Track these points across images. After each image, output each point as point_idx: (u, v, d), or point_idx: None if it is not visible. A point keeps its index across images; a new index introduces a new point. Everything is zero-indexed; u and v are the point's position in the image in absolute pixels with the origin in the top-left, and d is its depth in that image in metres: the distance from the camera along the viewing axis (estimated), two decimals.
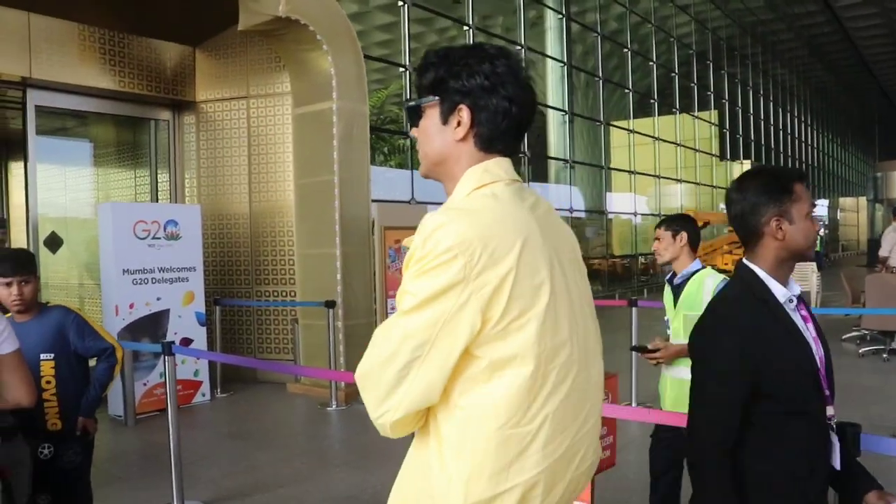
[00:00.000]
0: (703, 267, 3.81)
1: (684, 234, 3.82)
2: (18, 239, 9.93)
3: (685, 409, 2.04)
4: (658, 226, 3.97)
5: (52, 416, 3.24)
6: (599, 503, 3.22)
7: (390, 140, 12.46)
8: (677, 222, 3.90)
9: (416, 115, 1.61)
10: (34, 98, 7.44)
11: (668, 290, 3.94)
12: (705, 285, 3.64)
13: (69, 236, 8.88)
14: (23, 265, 3.21)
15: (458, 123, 1.54)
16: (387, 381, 1.40)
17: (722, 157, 27.11)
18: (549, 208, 1.64)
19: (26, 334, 3.21)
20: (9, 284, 3.16)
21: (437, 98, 1.56)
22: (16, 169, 11.45)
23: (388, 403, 1.41)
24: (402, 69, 11.87)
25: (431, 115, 1.58)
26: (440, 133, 1.57)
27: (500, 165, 1.56)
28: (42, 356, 3.22)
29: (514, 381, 1.41)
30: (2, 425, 2.76)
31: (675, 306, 3.81)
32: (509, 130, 1.55)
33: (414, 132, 1.64)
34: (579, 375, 1.52)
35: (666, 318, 4.00)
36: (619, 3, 19.20)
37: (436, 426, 1.47)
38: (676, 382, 3.71)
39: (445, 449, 1.45)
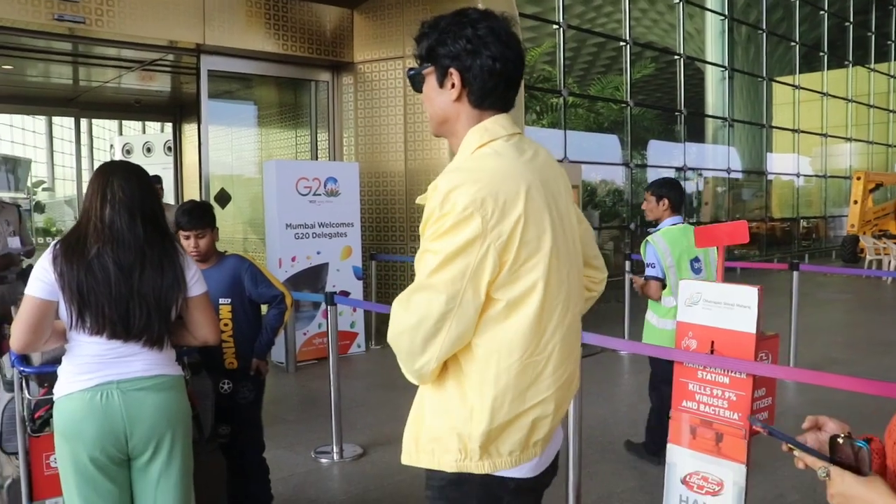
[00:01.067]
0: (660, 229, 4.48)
1: (666, 200, 4.48)
2: (192, 195, 10.67)
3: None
4: (646, 189, 4.62)
5: (229, 356, 3.49)
6: (753, 464, 3.15)
7: (543, 98, 12.33)
8: (663, 188, 4.53)
9: (418, 82, 1.78)
10: (207, 63, 7.90)
11: None
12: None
13: (235, 193, 9.44)
14: (199, 219, 3.43)
15: (452, 85, 1.69)
16: (423, 336, 1.58)
17: None
18: (548, 156, 1.82)
19: (208, 279, 3.46)
20: (187, 237, 3.42)
21: (431, 65, 1.73)
22: (188, 130, 12.28)
23: (428, 354, 1.60)
24: (555, 26, 11.67)
25: (430, 81, 1.75)
26: (439, 96, 1.73)
27: (497, 122, 1.71)
28: (220, 301, 3.46)
29: (528, 317, 1.62)
30: (190, 360, 3.04)
31: None
32: (498, 86, 1.70)
33: (422, 98, 1.80)
34: (573, 310, 1.75)
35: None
36: None
37: (456, 366, 1.66)
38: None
39: (466, 385, 1.64)
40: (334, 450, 4.82)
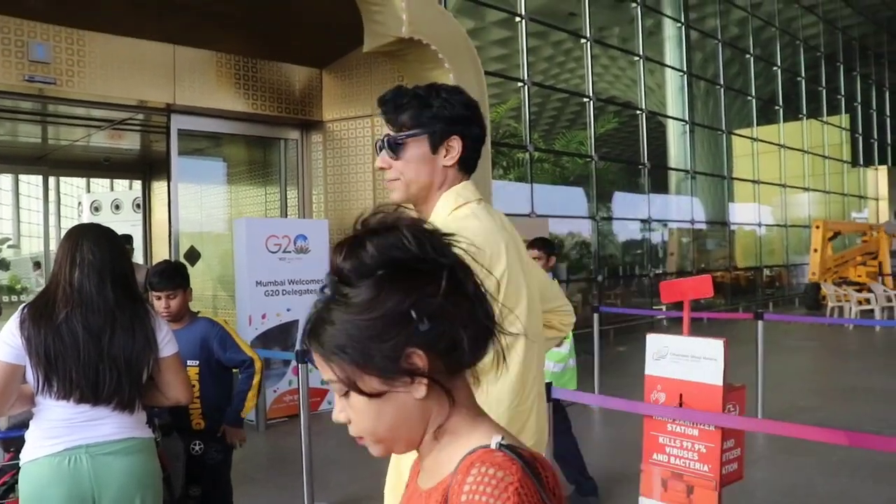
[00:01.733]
0: None
1: (553, 258, 5.21)
2: (161, 253, 10.62)
3: None
4: (531, 246, 4.99)
5: (195, 416, 3.49)
6: None
7: (509, 153, 12.56)
8: (548, 246, 5.24)
9: (397, 148, 1.80)
10: (177, 122, 7.97)
11: None
12: None
13: (204, 250, 9.42)
14: (170, 279, 3.46)
15: (447, 152, 1.78)
16: None
17: (854, 163, 25.73)
18: (505, 218, 1.93)
19: (178, 341, 3.49)
20: (158, 298, 3.44)
21: (423, 131, 1.78)
22: (158, 188, 12.26)
23: None
24: (520, 83, 11.96)
25: (418, 146, 1.79)
26: (428, 162, 1.79)
27: (467, 188, 1.82)
28: (188, 362, 3.45)
29: (513, 368, 1.69)
30: (161, 422, 3.03)
31: None
32: (479, 154, 1.85)
33: (388, 163, 1.82)
34: (542, 362, 1.86)
35: None
36: (740, 7, 18.62)
37: None
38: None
39: None
40: None
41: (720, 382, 2.83)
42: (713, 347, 2.86)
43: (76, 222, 13.13)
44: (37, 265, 18.29)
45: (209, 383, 3.53)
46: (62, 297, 2.37)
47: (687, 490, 2.94)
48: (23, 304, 2.44)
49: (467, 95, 1.82)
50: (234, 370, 3.70)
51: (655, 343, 3.04)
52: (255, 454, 6.33)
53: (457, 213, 1.77)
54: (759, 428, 3.22)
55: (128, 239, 7.57)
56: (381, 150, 1.84)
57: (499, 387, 1.66)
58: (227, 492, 3.67)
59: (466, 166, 1.83)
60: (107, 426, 2.40)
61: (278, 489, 5.26)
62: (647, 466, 3.08)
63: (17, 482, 2.47)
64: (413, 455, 1.16)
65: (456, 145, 1.79)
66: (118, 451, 2.41)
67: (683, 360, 2.93)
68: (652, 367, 3.05)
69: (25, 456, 2.38)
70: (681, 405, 2.92)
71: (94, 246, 2.44)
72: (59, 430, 2.36)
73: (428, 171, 1.79)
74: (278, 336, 7.38)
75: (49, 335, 2.32)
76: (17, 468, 2.49)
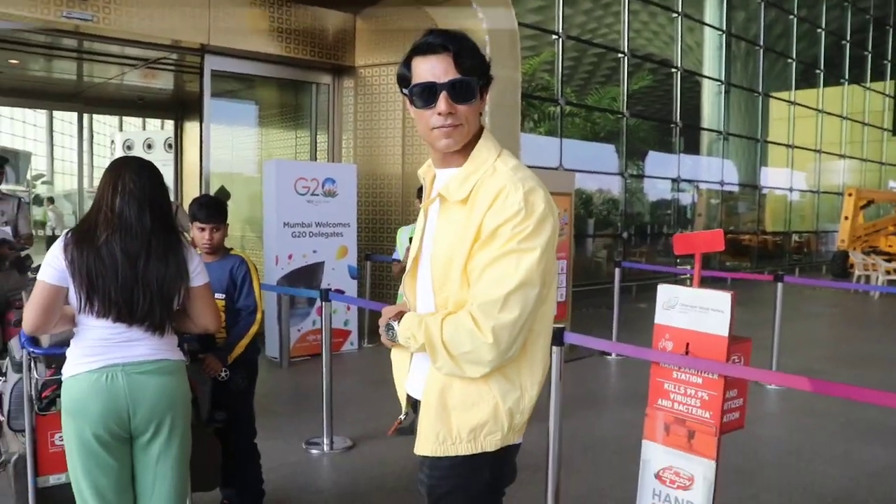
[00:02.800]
0: None
1: None
2: (191, 193, 10.80)
3: None
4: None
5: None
6: (723, 464, 3.30)
7: (540, 107, 12.50)
8: None
9: (472, 92, 1.84)
10: (211, 63, 8.05)
11: None
12: None
13: (233, 191, 9.58)
14: (215, 213, 3.62)
15: (483, 100, 1.90)
16: (521, 326, 1.78)
17: (895, 131, 25.18)
18: None
19: (209, 273, 3.63)
20: (202, 229, 3.58)
21: (483, 80, 1.88)
22: (190, 128, 12.41)
23: (519, 342, 1.81)
24: (554, 36, 11.85)
25: (480, 94, 1.87)
26: (478, 109, 1.89)
27: (492, 136, 1.95)
28: (216, 295, 3.61)
29: (552, 300, 1.91)
30: (190, 348, 3.18)
31: None
32: None
33: (454, 107, 1.82)
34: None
35: None
36: None
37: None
38: None
39: (514, 367, 1.88)
40: (325, 441, 4.96)
41: (726, 333, 2.90)
42: (721, 300, 2.92)
43: (108, 159, 13.37)
44: (49, 200, 18.68)
45: (232, 315, 3.67)
46: (103, 221, 2.50)
47: (688, 435, 3.03)
48: (66, 230, 2.57)
49: None
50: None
51: (666, 293, 3.11)
52: (279, 389, 6.55)
53: (503, 158, 1.89)
54: (761, 378, 3.30)
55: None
56: (434, 92, 1.81)
57: (547, 317, 1.92)
58: (249, 419, 3.83)
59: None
60: (141, 347, 2.55)
61: (299, 423, 5.44)
62: (652, 411, 3.18)
63: (58, 396, 2.63)
64: None
65: (486, 95, 1.91)
66: (151, 371, 2.55)
67: (692, 310, 3.01)
68: (661, 317, 3.13)
69: (67, 372, 2.53)
70: (687, 354, 3.00)
71: (136, 176, 2.56)
72: (98, 348, 2.51)
73: (477, 118, 1.89)
74: (304, 276, 7.55)
75: (91, 257, 2.45)
76: (58, 383, 2.65)
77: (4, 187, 6.20)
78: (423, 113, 1.84)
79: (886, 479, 4.57)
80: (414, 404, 2.08)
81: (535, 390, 1.92)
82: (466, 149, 1.88)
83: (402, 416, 2.15)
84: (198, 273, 2.67)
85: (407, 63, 1.88)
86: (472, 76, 1.82)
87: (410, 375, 2.06)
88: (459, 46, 1.82)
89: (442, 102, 1.80)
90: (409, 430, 4.83)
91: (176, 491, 2.66)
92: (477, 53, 1.85)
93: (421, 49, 1.83)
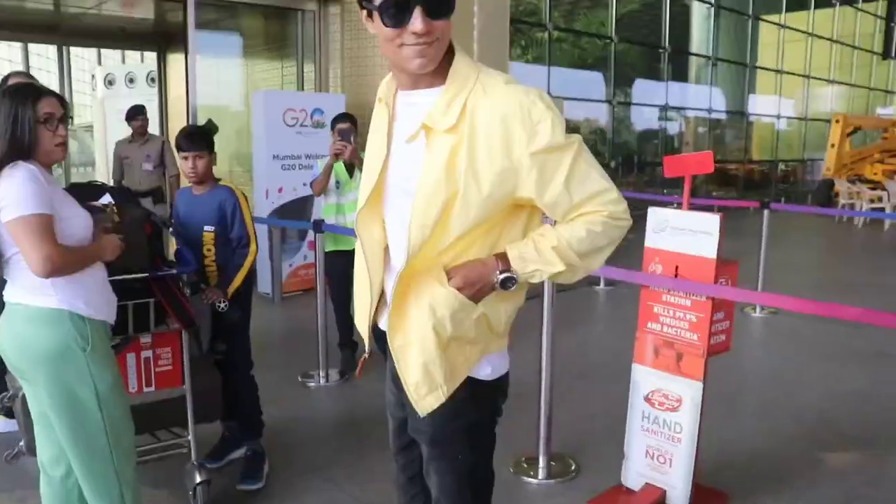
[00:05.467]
0: None
1: None
2: (177, 127, 10.65)
3: None
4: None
5: (213, 278, 3.67)
6: (709, 388, 3.42)
7: (528, 32, 12.32)
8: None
9: (450, 6, 1.61)
10: None
11: None
12: None
13: (220, 125, 9.46)
14: (197, 141, 3.60)
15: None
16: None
17: (886, 55, 24.96)
18: None
19: (198, 205, 3.66)
20: (185, 158, 3.59)
21: None
22: (173, 61, 12.17)
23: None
24: None
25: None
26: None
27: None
28: (205, 228, 3.63)
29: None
30: (189, 281, 3.23)
31: None
32: None
33: (430, 25, 1.58)
34: None
35: None
36: None
37: None
38: None
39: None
40: (320, 374, 5.07)
41: (714, 256, 2.97)
42: (710, 222, 2.98)
43: (90, 95, 13.16)
44: None
45: (226, 248, 3.69)
46: None
47: (677, 357, 3.13)
48: None
49: None
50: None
51: (655, 216, 3.16)
52: (272, 324, 6.62)
53: (490, 71, 1.71)
54: (746, 298, 3.39)
55: (140, 109, 7.66)
56: (405, 9, 1.56)
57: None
58: (246, 351, 3.88)
59: None
60: (8, 285, 2.46)
61: (294, 356, 5.52)
62: (642, 334, 3.27)
63: None
64: None
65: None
66: (9, 311, 2.45)
67: (681, 233, 3.06)
68: (651, 240, 3.18)
69: None
70: (676, 276, 3.07)
71: None
72: None
73: (450, 31, 1.65)
74: (294, 209, 7.55)
75: None
76: None
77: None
78: (392, 31, 1.59)
79: (865, 401, 4.73)
80: (380, 337, 1.91)
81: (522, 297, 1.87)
82: (439, 66, 1.66)
83: (365, 355, 2.03)
84: (4, 206, 2.28)
85: None
86: None
87: (383, 309, 1.88)
88: None
89: (418, 20, 1.55)
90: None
91: (69, 442, 2.47)
92: None
93: None
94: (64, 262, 2.30)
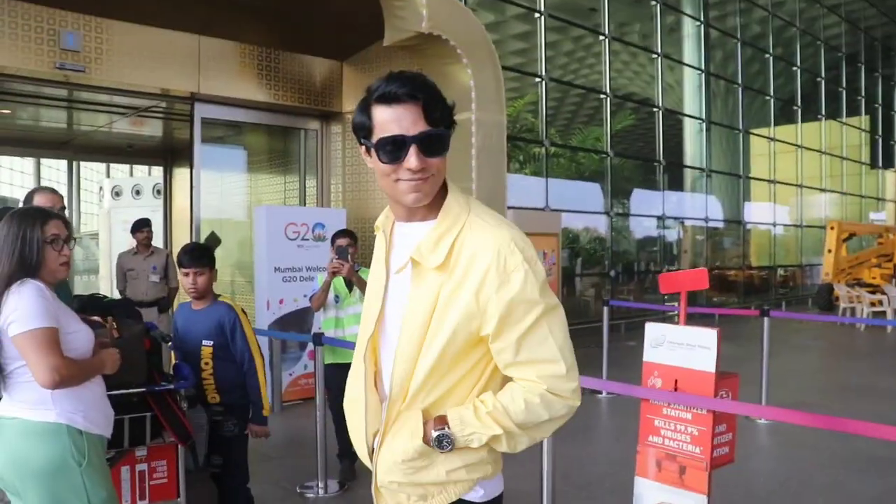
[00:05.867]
0: None
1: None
2: (181, 238, 10.84)
3: None
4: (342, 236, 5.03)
5: (210, 391, 3.70)
6: (715, 499, 3.35)
7: (526, 148, 12.69)
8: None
9: (445, 145, 1.67)
10: (201, 111, 8.17)
11: None
12: None
13: (223, 237, 9.63)
14: (198, 258, 3.69)
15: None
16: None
17: (873, 164, 25.63)
18: None
19: (197, 320, 3.71)
20: (186, 275, 3.66)
21: (451, 130, 1.71)
22: (179, 174, 12.48)
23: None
24: (537, 79, 12.08)
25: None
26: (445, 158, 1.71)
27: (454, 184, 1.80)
28: (204, 342, 3.69)
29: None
30: (187, 394, 3.23)
31: None
32: None
33: (426, 162, 1.64)
34: None
35: None
36: (761, 6, 18.61)
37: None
38: None
39: None
40: (318, 485, 4.97)
41: (713, 369, 2.98)
42: (707, 336, 3.01)
43: (97, 206, 13.42)
44: None
45: (223, 362, 3.72)
46: None
47: (679, 470, 3.09)
48: None
49: None
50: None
51: (654, 331, 3.20)
52: (271, 433, 6.51)
53: (480, 211, 1.74)
54: (747, 412, 3.37)
55: (145, 222, 7.87)
56: (402, 146, 1.62)
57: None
58: (243, 462, 3.86)
59: None
60: (2, 401, 2.47)
61: (293, 468, 5.44)
62: (644, 448, 3.24)
63: None
64: None
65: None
66: (3, 427, 2.43)
67: (679, 347, 3.09)
68: (650, 354, 3.21)
69: None
70: (675, 390, 3.07)
71: None
72: None
73: (445, 168, 1.71)
74: (295, 321, 7.58)
75: None
76: None
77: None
78: (388, 167, 1.65)
79: None
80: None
81: None
82: (434, 200, 1.72)
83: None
84: (13, 321, 2.36)
85: (366, 110, 1.69)
86: (442, 126, 1.65)
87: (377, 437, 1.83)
88: (429, 95, 1.64)
89: (413, 157, 1.61)
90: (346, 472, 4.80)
91: None
92: (444, 101, 1.67)
93: (385, 97, 1.64)
94: (70, 373, 2.34)
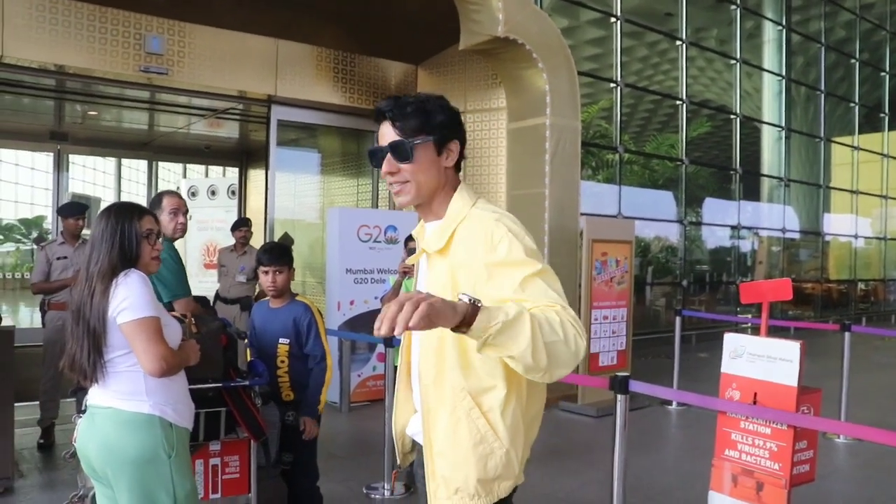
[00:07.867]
0: None
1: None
2: (255, 238, 11.06)
3: None
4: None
5: (285, 389, 3.77)
6: None
7: (598, 154, 12.54)
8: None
9: (408, 152, 1.88)
10: (277, 113, 8.33)
11: None
12: None
13: (295, 237, 9.79)
14: (277, 257, 3.78)
15: (447, 155, 1.94)
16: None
17: None
18: None
19: (274, 318, 3.78)
20: (266, 272, 3.73)
21: (430, 137, 1.89)
22: (254, 175, 12.76)
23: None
24: (612, 84, 11.93)
25: (427, 150, 1.90)
26: (436, 164, 1.92)
27: (469, 188, 2.00)
28: (281, 340, 3.75)
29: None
30: (261, 391, 3.28)
31: None
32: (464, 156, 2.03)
33: (395, 167, 1.89)
34: None
35: None
36: (848, 9, 17.95)
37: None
38: None
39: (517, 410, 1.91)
40: (385, 486, 4.99)
41: (795, 383, 2.88)
42: (790, 349, 2.91)
43: None
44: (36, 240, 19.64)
45: (299, 361, 3.78)
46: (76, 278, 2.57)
47: (757, 487, 2.99)
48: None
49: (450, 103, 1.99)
50: None
51: (733, 342, 3.10)
52: (338, 434, 6.61)
53: (484, 206, 1.93)
54: (831, 428, 3.24)
55: (244, 221, 8.40)
56: (379, 156, 1.90)
57: None
58: (312, 462, 3.90)
59: (458, 167, 2.00)
60: (95, 390, 2.52)
61: (360, 466, 5.50)
62: (719, 462, 3.15)
63: None
64: None
65: (455, 148, 1.95)
66: (99, 417, 2.48)
67: (760, 360, 2.99)
68: (728, 366, 3.11)
69: None
70: (755, 403, 2.98)
71: (95, 224, 2.58)
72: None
73: (435, 173, 1.92)
74: (365, 322, 7.64)
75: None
76: None
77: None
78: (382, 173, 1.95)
79: None
80: (414, 445, 2.14)
81: (535, 428, 1.97)
82: (444, 203, 1.95)
83: (397, 468, 2.21)
84: (124, 309, 2.41)
85: None
86: (412, 137, 1.88)
87: (415, 417, 2.07)
88: (394, 111, 1.90)
89: (384, 164, 1.90)
90: (404, 476, 4.84)
91: None
92: (420, 113, 1.89)
93: (375, 117, 1.95)
94: (174, 362, 2.45)
